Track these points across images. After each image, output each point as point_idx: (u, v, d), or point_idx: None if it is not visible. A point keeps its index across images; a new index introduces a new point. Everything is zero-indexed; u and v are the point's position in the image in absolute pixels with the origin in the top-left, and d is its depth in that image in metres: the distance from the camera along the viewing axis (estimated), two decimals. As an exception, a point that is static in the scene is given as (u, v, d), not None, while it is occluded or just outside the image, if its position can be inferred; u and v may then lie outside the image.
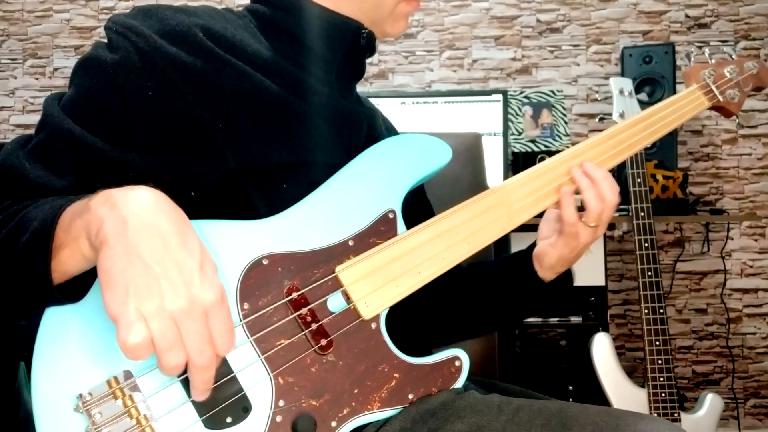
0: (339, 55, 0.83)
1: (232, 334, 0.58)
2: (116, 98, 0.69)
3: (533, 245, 0.89)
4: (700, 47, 2.54)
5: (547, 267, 0.86)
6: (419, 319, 0.93)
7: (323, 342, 0.69)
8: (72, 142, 0.68)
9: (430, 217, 0.80)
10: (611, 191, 0.83)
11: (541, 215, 0.88)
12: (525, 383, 1.01)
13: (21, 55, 2.69)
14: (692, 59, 1.05)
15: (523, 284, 0.89)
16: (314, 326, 0.69)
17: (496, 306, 0.92)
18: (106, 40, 0.72)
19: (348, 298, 0.72)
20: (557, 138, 2.51)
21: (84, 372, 0.61)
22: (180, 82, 0.69)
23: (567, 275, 0.89)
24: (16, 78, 2.69)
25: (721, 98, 1.01)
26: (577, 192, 0.85)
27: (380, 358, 0.72)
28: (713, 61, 1.04)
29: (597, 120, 2.54)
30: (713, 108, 1.03)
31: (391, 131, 0.99)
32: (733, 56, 1.06)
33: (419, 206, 0.91)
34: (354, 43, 0.84)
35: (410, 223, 0.79)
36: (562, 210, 0.83)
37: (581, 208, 0.84)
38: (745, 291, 2.54)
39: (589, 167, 0.85)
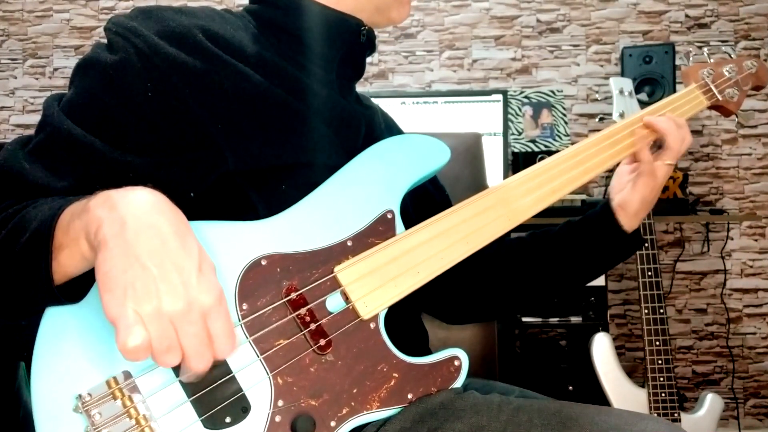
0: (339, 54, 0.83)
1: (232, 337, 0.58)
2: (116, 99, 0.69)
3: (605, 204, 0.92)
4: (700, 47, 2.54)
5: (632, 213, 0.90)
6: (492, 288, 0.96)
7: (322, 342, 0.69)
8: (72, 143, 0.68)
9: (444, 206, 0.82)
10: (687, 130, 0.92)
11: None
12: (525, 383, 1.01)
13: (21, 55, 2.69)
14: (691, 59, 1.05)
15: (607, 238, 0.91)
16: (313, 326, 0.70)
17: (575, 267, 0.94)
18: (106, 41, 0.72)
19: (347, 298, 0.72)
20: (557, 138, 2.51)
21: (83, 372, 0.61)
22: (179, 83, 0.69)
23: (637, 233, 0.93)
24: (16, 78, 2.69)
25: (720, 97, 1.00)
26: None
27: (379, 358, 0.72)
28: (712, 60, 1.04)
29: (597, 120, 2.55)
30: (712, 107, 1.02)
31: (393, 129, 0.99)
32: (732, 55, 1.06)
33: (419, 205, 0.91)
34: (354, 41, 0.84)
35: (409, 223, 0.79)
36: (640, 152, 0.90)
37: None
38: (745, 291, 2.53)
39: (667, 117, 0.92)
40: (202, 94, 0.70)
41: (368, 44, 0.86)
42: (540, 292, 0.97)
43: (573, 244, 0.92)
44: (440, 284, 0.89)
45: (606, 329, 2.04)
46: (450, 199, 0.99)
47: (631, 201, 0.90)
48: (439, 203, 0.94)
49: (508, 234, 0.86)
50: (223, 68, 0.71)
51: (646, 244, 1.73)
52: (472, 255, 0.81)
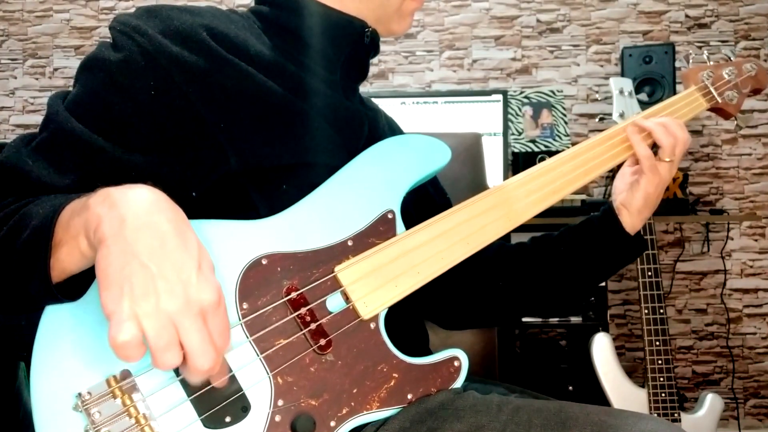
0: (343, 55, 0.83)
1: (228, 334, 0.58)
2: (120, 98, 0.69)
3: (607, 207, 0.92)
4: (700, 47, 2.54)
5: (635, 212, 0.90)
6: (492, 294, 0.95)
7: (322, 342, 0.69)
8: (75, 140, 0.68)
9: (444, 208, 0.81)
10: (680, 128, 0.90)
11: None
12: (525, 383, 1.01)
13: (21, 55, 2.69)
14: (690, 61, 1.05)
15: (609, 240, 0.91)
16: (313, 326, 0.70)
17: (576, 271, 0.93)
18: (110, 40, 0.72)
19: (347, 298, 0.72)
20: (557, 138, 2.51)
21: (83, 371, 0.61)
22: (183, 81, 0.69)
23: (639, 237, 0.93)
24: (16, 78, 2.69)
25: (719, 100, 1.01)
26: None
27: (379, 358, 0.72)
28: (711, 62, 1.04)
29: (597, 120, 2.55)
30: (712, 109, 1.03)
31: (395, 130, 0.99)
32: (732, 58, 1.06)
33: (420, 206, 0.91)
34: (358, 42, 0.84)
35: (410, 223, 0.79)
36: (636, 148, 0.90)
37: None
38: (745, 291, 2.53)
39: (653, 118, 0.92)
40: (206, 93, 0.70)
41: (372, 46, 0.86)
42: (541, 298, 0.96)
43: (575, 247, 0.92)
44: (440, 290, 0.88)
45: (606, 329, 2.04)
46: (451, 202, 0.98)
47: (634, 199, 0.90)
48: (439, 206, 0.94)
49: (508, 235, 0.86)
50: (226, 67, 0.71)
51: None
52: (472, 260, 0.80)
